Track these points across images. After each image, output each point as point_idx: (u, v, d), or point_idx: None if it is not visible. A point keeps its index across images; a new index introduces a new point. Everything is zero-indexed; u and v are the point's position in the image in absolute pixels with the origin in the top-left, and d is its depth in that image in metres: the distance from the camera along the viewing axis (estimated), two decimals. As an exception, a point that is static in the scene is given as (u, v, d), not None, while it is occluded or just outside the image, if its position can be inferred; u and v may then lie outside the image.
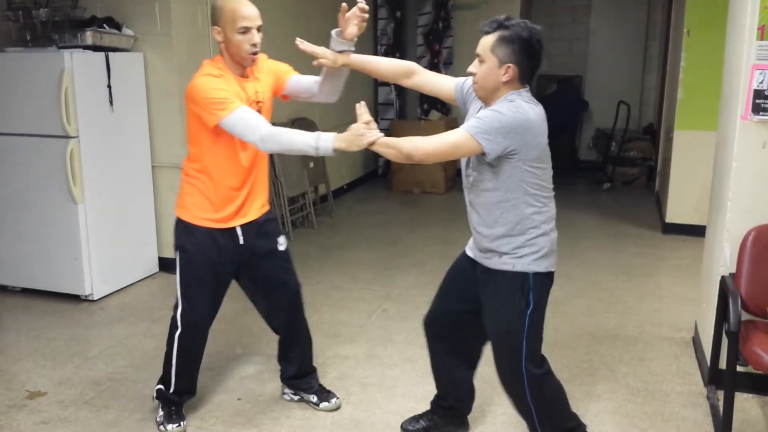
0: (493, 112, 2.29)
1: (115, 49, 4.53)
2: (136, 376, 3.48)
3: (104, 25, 4.51)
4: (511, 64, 2.32)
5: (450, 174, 7.54)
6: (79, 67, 4.22)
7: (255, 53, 2.70)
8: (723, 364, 3.02)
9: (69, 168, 4.25)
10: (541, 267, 2.46)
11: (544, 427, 2.62)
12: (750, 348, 2.78)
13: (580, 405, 3.18)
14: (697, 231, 5.16)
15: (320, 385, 3.23)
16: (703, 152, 5.03)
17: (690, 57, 5.59)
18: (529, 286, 2.45)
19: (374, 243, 5.83)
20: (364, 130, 2.48)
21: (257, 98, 2.79)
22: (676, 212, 5.94)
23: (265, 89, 2.86)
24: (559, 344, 3.82)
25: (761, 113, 3.06)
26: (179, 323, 2.92)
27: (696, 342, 3.75)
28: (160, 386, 3.03)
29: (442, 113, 8.10)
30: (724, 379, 2.88)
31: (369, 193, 7.79)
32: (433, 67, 8.20)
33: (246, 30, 2.64)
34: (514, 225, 2.42)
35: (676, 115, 5.82)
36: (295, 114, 6.39)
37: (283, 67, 2.97)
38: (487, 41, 2.36)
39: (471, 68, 2.42)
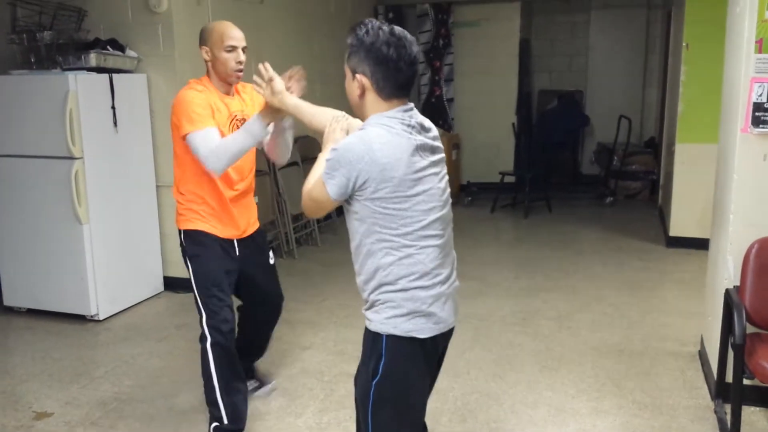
0: (331, 150, 1.96)
1: (118, 71, 4.58)
2: (142, 396, 3.48)
3: (108, 46, 4.56)
4: (359, 75, 1.98)
5: (453, 191, 7.53)
6: (83, 88, 4.26)
7: (240, 70, 2.87)
8: (729, 378, 3.02)
9: (74, 189, 4.27)
10: (397, 329, 1.97)
11: None
12: (756, 361, 2.78)
13: (587, 421, 3.17)
14: (700, 244, 5.15)
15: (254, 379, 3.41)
16: (705, 165, 5.04)
17: (690, 70, 5.62)
18: (381, 351, 1.99)
19: (378, 260, 5.82)
20: (276, 86, 2.54)
21: (242, 116, 2.92)
22: (679, 226, 5.93)
23: (251, 110, 2.95)
24: (565, 359, 3.82)
25: (761, 126, 3.07)
26: (207, 333, 2.87)
27: (702, 355, 3.74)
28: (215, 424, 2.92)
29: (444, 129, 8.14)
30: (731, 392, 2.88)
31: (372, 210, 7.79)
32: (435, 84, 8.26)
33: (233, 48, 2.83)
34: (371, 275, 2.01)
35: (677, 129, 5.84)
36: (300, 132, 6.42)
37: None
38: (346, 53, 2.03)
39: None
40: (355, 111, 2.08)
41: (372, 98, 1.99)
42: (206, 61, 2.88)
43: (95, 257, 4.42)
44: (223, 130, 2.83)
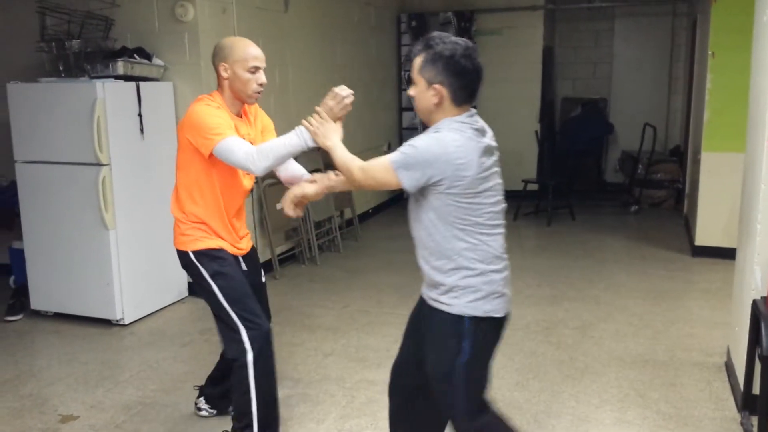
0: (410, 146, 2.15)
1: (145, 79, 4.64)
2: (166, 401, 3.51)
3: (135, 55, 4.62)
4: (437, 85, 2.17)
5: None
6: (110, 96, 4.32)
7: (260, 92, 2.83)
8: (756, 389, 2.97)
9: (101, 195, 4.33)
10: (478, 311, 2.19)
11: None
12: (784, 373, 2.74)
13: (610, 431, 3.14)
14: (726, 254, 5.10)
15: None
16: (732, 174, 4.99)
17: (716, 79, 5.57)
18: (463, 332, 2.20)
19: (400, 267, 5.83)
20: (332, 103, 2.57)
21: (249, 139, 2.86)
22: (705, 235, 5.87)
23: (255, 135, 2.94)
24: (589, 370, 3.79)
25: (790, 135, 3.03)
26: (248, 347, 2.80)
27: (728, 367, 3.69)
28: None
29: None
30: (758, 404, 2.84)
31: (394, 218, 7.82)
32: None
33: (256, 69, 2.78)
34: (447, 261, 2.21)
35: (703, 137, 5.79)
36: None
37: (270, 126, 3.07)
38: (415, 63, 2.21)
39: (409, 92, 2.29)
40: (424, 116, 2.25)
41: (447, 105, 2.19)
42: (224, 79, 2.79)
43: (121, 262, 4.47)
44: None
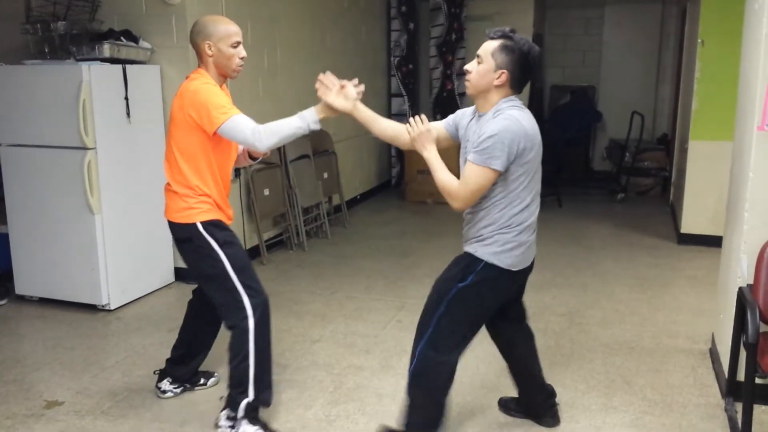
0: (491, 138, 2.48)
1: (132, 62, 4.58)
2: (152, 386, 3.49)
3: (121, 37, 4.56)
4: (505, 71, 2.55)
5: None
6: (96, 79, 4.27)
7: (242, 66, 2.94)
8: (741, 376, 3.01)
9: (86, 179, 4.29)
10: (496, 259, 2.61)
11: (412, 400, 2.78)
12: (769, 360, 2.76)
13: (597, 417, 3.16)
14: (712, 242, 5.14)
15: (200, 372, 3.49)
16: (719, 162, 5.02)
17: (705, 67, 5.58)
18: (474, 268, 2.63)
19: (388, 253, 5.83)
20: (347, 89, 2.83)
21: None
22: (691, 223, 5.91)
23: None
24: (575, 356, 3.81)
25: (778, 124, 3.04)
26: (250, 314, 2.90)
27: (713, 353, 3.72)
28: (246, 401, 2.92)
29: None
30: (743, 391, 2.87)
31: (382, 204, 7.81)
32: (447, 78, 8.24)
33: (238, 44, 2.90)
34: (493, 220, 2.60)
35: (690, 126, 5.81)
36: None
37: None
38: (489, 45, 2.57)
39: (467, 66, 2.63)
40: (477, 91, 2.61)
41: (504, 89, 2.59)
42: (208, 56, 2.88)
43: (107, 247, 4.44)
44: None
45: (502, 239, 2.61)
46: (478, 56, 2.60)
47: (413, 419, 2.79)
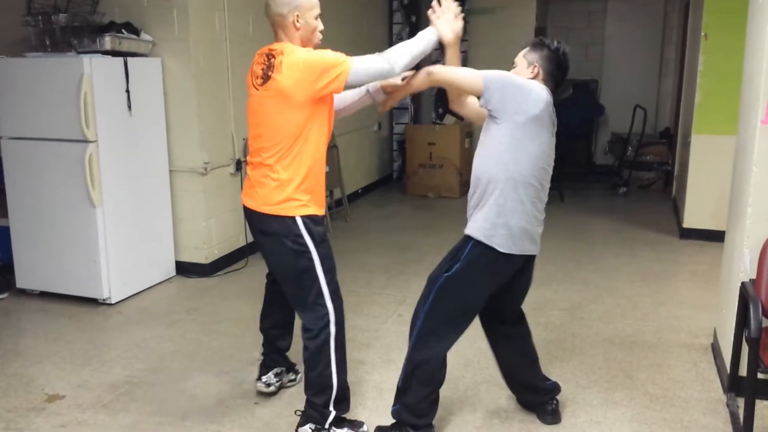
0: (502, 71, 2.67)
1: (133, 54, 4.57)
2: (153, 380, 3.50)
3: (123, 30, 4.55)
4: (536, 65, 2.74)
5: (465, 178, 7.52)
6: (98, 72, 4.25)
7: (320, 39, 2.86)
8: (743, 371, 2.99)
9: (88, 172, 4.28)
10: (483, 236, 2.67)
11: (403, 390, 2.84)
12: (771, 355, 2.75)
13: (598, 412, 3.16)
14: (714, 236, 5.12)
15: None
16: (722, 157, 5.00)
17: (708, 61, 5.55)
18: (464, 251, 2.70)
19: (389, 247, 5.83)
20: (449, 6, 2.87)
21: None
22: (693, 217, 5.89)
23: None
24: (577, 350, 3.80)
25: (782, 118, 3.02)
26: (332, 319, 2.81)
27: (715, 348, 3.71)
28: (333, 414, 2.86)
29: (457, 117, 8.09)
30: (745, 386, 2.86)
31: (384, 198, 7.80)
32: (449, 71, 8.19)
33: (319, 16, 2.82)
34: (491, 206, 2.67)
35: (693, 120, 5.78)
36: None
37: None
38: (521, 51, 2.82)
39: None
40: None
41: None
42: (296, 29, 2.73)
43: (108, 241, 4.43)
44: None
45: (492, 219, 2.66)
46: (513, 64, 2.83)
47: (403, 409, 2.84)
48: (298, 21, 2.73)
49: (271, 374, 3.31)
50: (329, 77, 2.65)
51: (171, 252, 4.99)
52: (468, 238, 2.71)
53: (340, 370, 2.84)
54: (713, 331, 3.85)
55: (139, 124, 4.60)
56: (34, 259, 4.61)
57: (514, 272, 2.80)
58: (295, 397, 3.30)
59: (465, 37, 8.17)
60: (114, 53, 4.43)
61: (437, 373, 2.82)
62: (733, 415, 3.07)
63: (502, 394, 3.30)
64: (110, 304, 4.51)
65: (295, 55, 2.67)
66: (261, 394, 3.32)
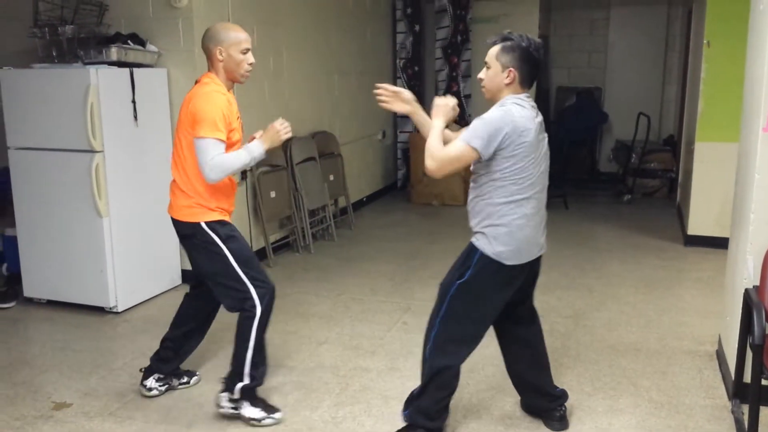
0: (480, 120, 2.63)
1: (139, 65, 4.61)
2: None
3: (129, 41, 4.59)
4: (512, 69, 2.67)
5: (469, 186, 7.52)
6: (104, 82, 4.29)
7: (250, 71, 3.08)
8: (748, 378, 2.99)
9: (94, 182, 4.31)
10: (489, 250, 2.70)
11: (422, 396, 2.91)
12: (775, 361, 2.75)
13: (603, 419, 3.16)
14: (719, 243, 5.12)
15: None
16: (725, 164, 5.01)
17: (711, 68, 5.57)
18: (472, 260, 2.74)
19: (394, 255, 5.84)
20: (279, 127, 3.03)
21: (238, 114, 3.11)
22: (697, 224, 5.89)
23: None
24: (581, 357, 3.81)
25: (784, 125, 3.04)
26: (257, 304, 3.04)
27: (720, 355, 3.72)
28: (241, 384, 3.08)
29: (460, 125, 8.11)
30: (749, 392, 2.86)
31: (388, 206, 7.82)
32: (452, 80, 8.24)
33: (247, 50, 3.03)
34: (486, 215, 2.73)
35: (697, 127, 5.80)
36: (317, 127, 6.45)
37: None
38: (492, 51, 2.73)
39: (480, 75, 2.79)
40: (493, 94, 2.75)
41: (515, 86, 2.70)
42: (219, 61, 3.00)
43: (114, 250, 4.46)
44: (235, 125, 3.03)
45: (493, 231, 2.70)
46: (485, 63, 2.75)
47: (417, 413, 2.91)
48: (221, 54, 2.99)
49: (152, 379, 3.46)
50: (198, 122, 2.92)
51: (177, 260, 5.01)
52: (476, 247, 2.76)
53: (256, 345, 3.06)
54: (718, 338, 3.85)
55: (145, 134, 4.63)
56: (41, 268, 4.64)
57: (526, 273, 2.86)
58: (301, 404, 3.32)
59: (468, 46, 8.30)
60: (120, 64, 4.47)
61: (453, 380, 2.88)
62: (738, 422, 3.07)
63: (507, 401, 3.30)
64: (117, 313, 4.53)
65: (205, 89, 2.98)
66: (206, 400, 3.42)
